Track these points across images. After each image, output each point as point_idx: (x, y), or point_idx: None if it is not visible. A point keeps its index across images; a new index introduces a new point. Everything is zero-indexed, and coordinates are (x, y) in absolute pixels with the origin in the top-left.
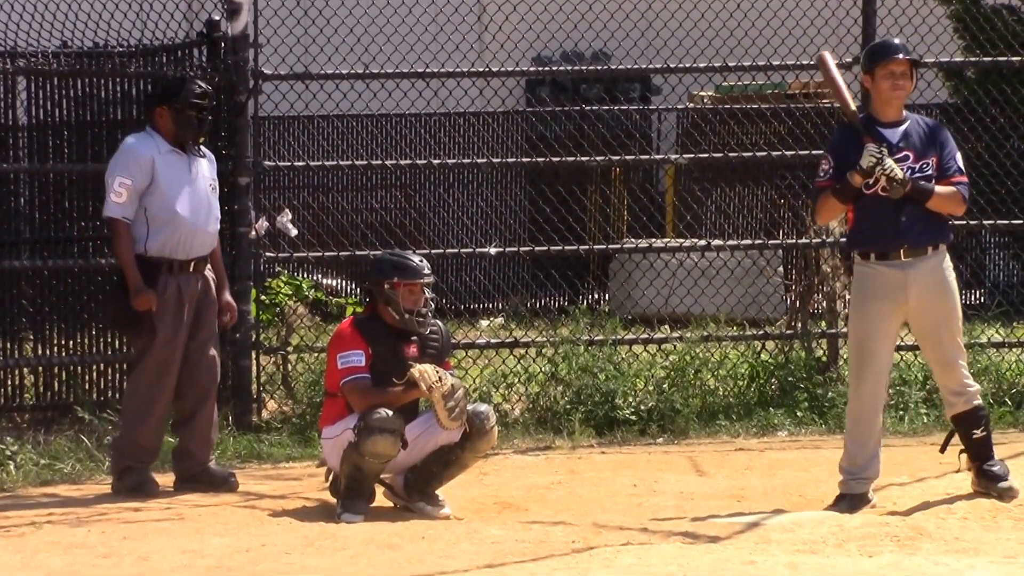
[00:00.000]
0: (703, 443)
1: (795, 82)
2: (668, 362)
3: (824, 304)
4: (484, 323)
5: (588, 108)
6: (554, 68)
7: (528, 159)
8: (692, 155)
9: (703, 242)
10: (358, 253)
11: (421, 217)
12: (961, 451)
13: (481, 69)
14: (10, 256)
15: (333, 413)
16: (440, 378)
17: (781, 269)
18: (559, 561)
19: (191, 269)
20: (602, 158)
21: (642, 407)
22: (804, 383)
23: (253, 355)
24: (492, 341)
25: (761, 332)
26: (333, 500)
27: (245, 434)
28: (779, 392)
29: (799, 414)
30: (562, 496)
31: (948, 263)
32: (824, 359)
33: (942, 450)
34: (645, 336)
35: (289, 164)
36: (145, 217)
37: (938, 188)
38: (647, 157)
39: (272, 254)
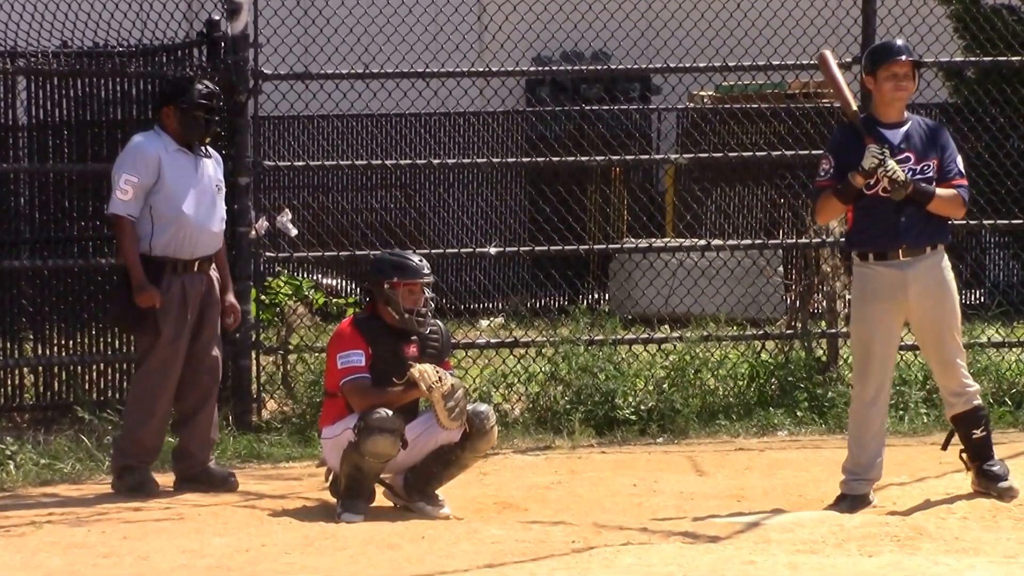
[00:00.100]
0: (703, 443)
1: (795, 82)
2: (668, 362)
3: (824, 304)
4: (484, 323)
5: (588, 108)
6: (554, 68)
7: (528, 159)
8: (692, 155)
9: (703, 242)
10: (358, 253)
11: (421, 217)
12: (962, 451)
13: (481, 69)
14: (10, 256)
15: (333, 413)
16: (440, 378)
17: (781, 269)
18: (559, 561)
19: (195, 269)
20: (602, 158)
21: (642, 407)
22: (804, 383)
23: (253, 355)
24: (492, 341)
25: (761, 332)
26: (333, 500)
27: (245, 434)
28: (779, 392)
29: (799, 414)
30: (562, 496)
31: (946, 263)
32: (824, 359)
33: (944, 447)
34: (645, 336)
35: (289, 164)
36: (150, 216)
37: (939, 191)
38: (647, 157)
39: (272, 254)
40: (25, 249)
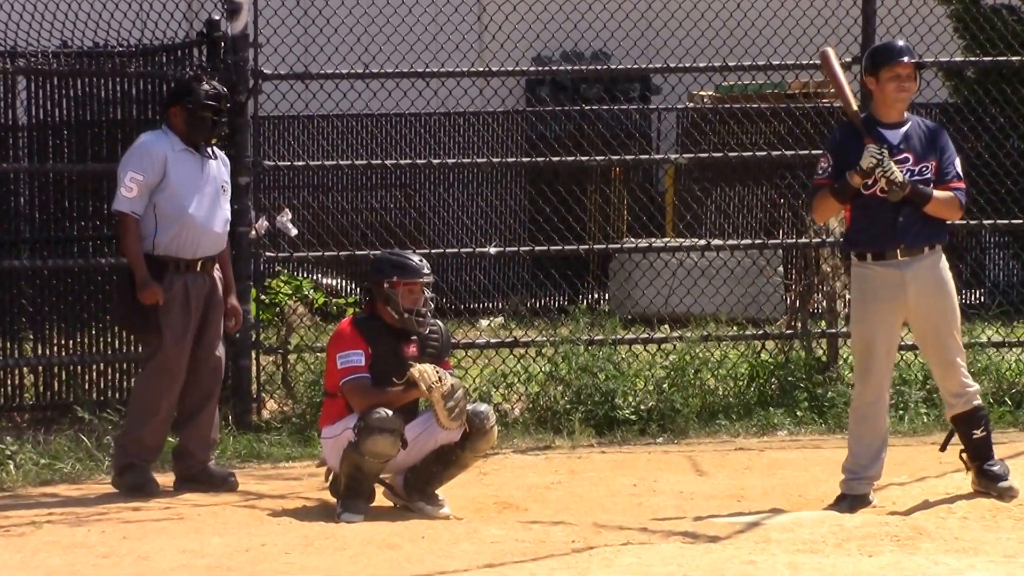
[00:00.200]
0: (703, 443)
1: (795, 82)
2: (668, 362)
3: (824, 304)
4: (484, 323)
5: (588, 108)
6: (554, 68)
7: (528, 159)
8: (692, 155)
9: (703, 242)
10: (358, 253)
11: (421, 217)
12: (962, 451)
13: (481, 69)
14: (10, 256)
15: (333, 413)
16: (440, 378)
17: (781, 269)
18: (559, 561)
19: (198, 268)
20: (602, 158)
21: (642, 407)
22: (804, 383)
23: (253, 355)
24: (492, 341)
25: (761, 332)
26: (333, 500)
27: (245, 434)
28: (779, 392)
29: (799, 414)
30: (562, 496)
31: (944, 263)
32: (824, 359)
33: (943, 448)
34: (645, 336)
35: (289, 164)
36: (154, 214)
37: (936, 193)
38: (647, 157)
39: (272, 254)
40: (25, 249)
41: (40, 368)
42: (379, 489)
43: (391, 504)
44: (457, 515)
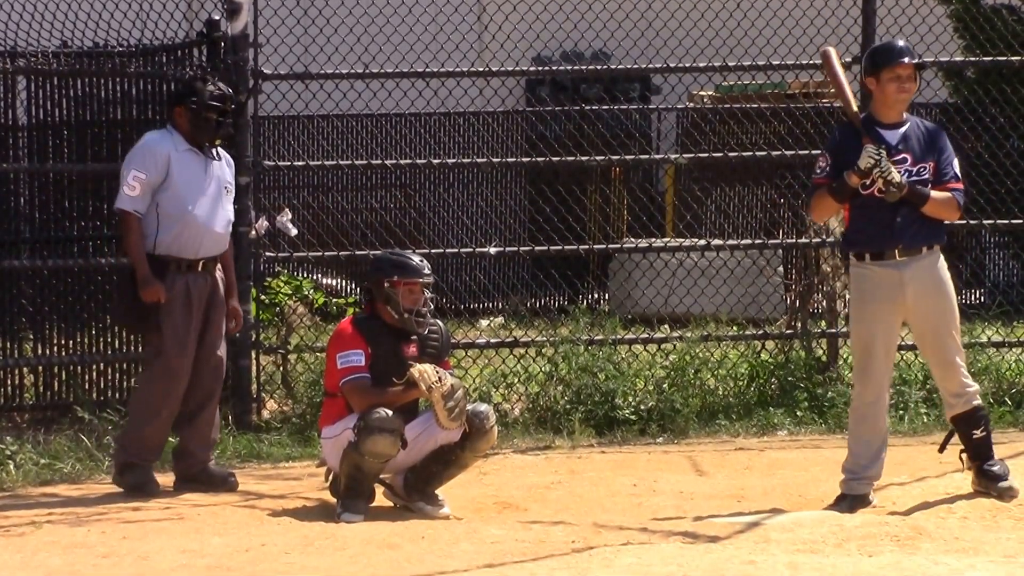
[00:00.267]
0: (703, 443)
1: (795, 82)
2: (668, 362)
3: (824, 304)
4: (484, 323)
5: (588, 108)
6: (554, 68)
7: (528, 159)
8: (692, 155)
9: (703, 242)
10: (358, 253)
11: (421, 217)
12: (961, 451)
13: (481, 69)
14: (10, 256)
15: (333, 413)
16: (440, 378)
17: (781, 269)
18: (559, 561)
19: (199, 268)
20: (602, 158)
21: (642, 407)
22: (804, 383)
23: (253, 355)
24: (492, 341)
25: (761, 332)
26: (333, 500)
27: (245, 434)
28: (779, 392)
29: (799, 414)
30: (562, 496)
31: (943, 263)
32: (824, 359)
33: (941, 450)
34: (645, 336)
35: (289, 164)
36: (156, 213)
37: (934, 193)
38: (647, 157)
39: (272, 254)
40: (25, 249)
41: (40, 368)
42: (379, 489)
43: (391, 504)
44: (457, 515)
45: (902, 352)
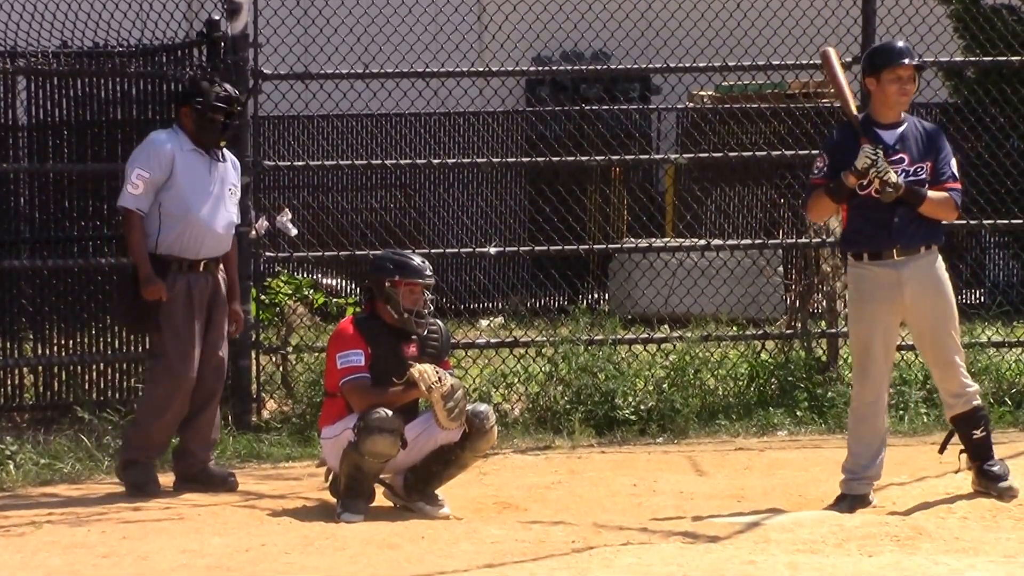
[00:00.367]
0: (703, 443)
1: (795, 82)
2: (668, 362)
3: (824, 304)
4: (484, 323)
5: (588, 108)
6: (554, 68)
7: (528, 159)
8: (692, 155)
9: (703, 242)
10: (358, 253)
11: (421, 217)
12: (961, 451)
13: (481, 69)
14: (10, 256)
15: (333, 413)
16: (440, 378)
17: (781, 269)
18: (559, 561)
19: (201, 269)
20: (602, 158)
21: (642, 407)
22: (804, 383)
23: (253, 355)
24: (492, 341)
25: (761, 332)
26: (333, 500)
27: (245, 434)
28: (779, 392)
29: (799, 414)
30: (562, 496)
31: (940, 263)
32: (824, 359)
33: (941, 450)
34: (645, 336)
35: (289, 164)
36: (158, 213)
37: (931, 194)
38: (647, 157)
39: (272, 254)
40: (25, 249)
41: (40, 368)
42: (379, 489)
43: (391, 504)
44: (457, 515)
45: (902, 352)
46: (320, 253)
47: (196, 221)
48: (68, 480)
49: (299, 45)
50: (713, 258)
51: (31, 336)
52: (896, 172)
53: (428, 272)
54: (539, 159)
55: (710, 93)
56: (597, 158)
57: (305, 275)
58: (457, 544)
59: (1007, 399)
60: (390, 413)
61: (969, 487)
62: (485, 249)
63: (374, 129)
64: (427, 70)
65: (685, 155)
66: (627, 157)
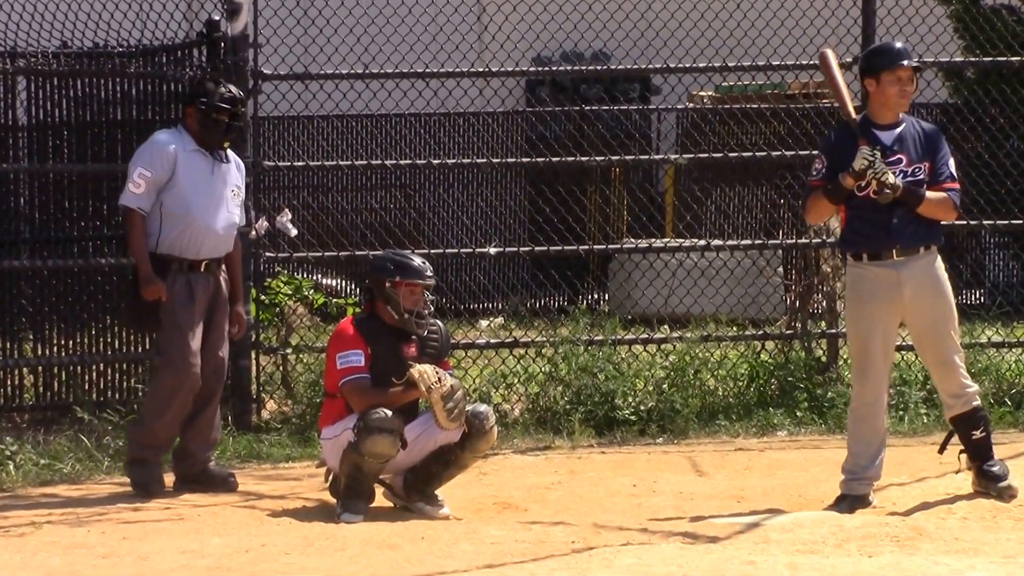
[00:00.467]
0: (703, 443)
1: (795, 82)
2: (668, 362)
3: (824, 304)
4: (484, 323)
5: (588, 108)
6: (554, 68)
7: (528, 159)
8: (692, 155)
9: (703, 242)
10: (358, 253)
11: (421, 217)
12: (961, 451)
13: (481, 69)
14: (10, 256)
15: (333, 413)
16: (439, 379)
17: (781, 269)
18: (559, 561)
19: (201, 269)
20: (602, 158)
21: (642, 407)
22: (804, 383)
23: (253, 355)
24: (492, 341)
25: (761, 332)
26: (333, 500)
27: (245, 434)
28: (779, 392)
29: (799, 414)
30: (562, 496)
31: (940, 263)
32: (824, 359)
33: (941, 451)
34: (645, 336)
35: (289, 164)
36: (160, 213)
37: (929, 194)
38: (647, 157)
39: (272, 254)
40: (25, 249)
41: (40, 368)
42: (379, 490)
43: (391, 504)
44: (457, 515)
45: (902, 352)
46: (320, 253)
47: (196, 221)
48: (68, 480)
49: (299, 45)
50: (713, 258)
51: (31, 336)
52: (894, 173)
53: (428, 273)
54: (539, 159)
55: (710, 93)
56: (597, 158)
57: (305, 276)
58: (457, 544)
59: (1007, 399)
60: (390, 413)
61: (969, 487)
62: (485, 249)
63: (374, 129)
64: (427, 70)
65: (685, 155)
66: (627, 157)
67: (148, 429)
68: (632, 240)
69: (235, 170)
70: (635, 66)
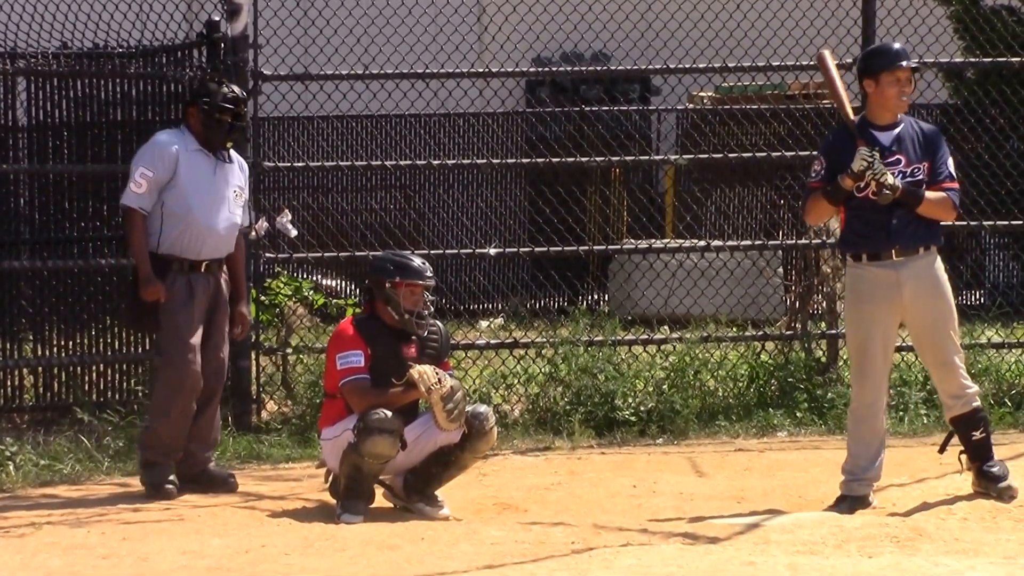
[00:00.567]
0: (703, 444)
1: (795, 83)
2: (668, 363)
3: (824, 305)
4: (484, 324)
5: (588, 109)
6: (554, 69)
7: (528, 160)
8: (692, 156)
9: (703, 243)
10: (358, 254)
11: (421, 218)
12: (961, 452)
13: (481, 70)
14: (10, 257)
15: (333, 414)
16: (439, 380)
17: (781, 270)
18: (559, 562)
19: (202, 269)
20: (602, 159)
21: (642, 408)
22: (804, 384)
23: (252, 356)
24: (492, 342)
25: (761, 333)
26: (333, 501)
27: (245, 435)
28: (779, 393)
29: (799, 415)
30: (562, 497)
31: (939, 264)
32: (824, 360)
33: (941, 451)
34: (645, 337)
35: (289, 165)
36: (161, 212)
37: (928, 194)
38: (647, 158)
39: (272, 255)
40: (25, 250)
41: (40, 369)
42: (379, 490)
43: (391, 505)
44: (457, 516)
45: (902, 353)
46: (320, 254)
47: (198, 221)
48: (68, 481)
49: (299, 46)
50: (713, 259)
51: (31, 337)
52: (893, 174)
53: (428, 273)
54: (539, 160)
55: (710, 94)
56: (597, 159)
57: (305, 276)
58: (457, 545)
59: (1007, 400)
60: (390, 414)
61: (969, 488)
62: (485, 250)
63: (374, 130)
64: (427, 71)
65: (685, 156)
66: (627, 158)
67: (155, 432)
68: (632, 241)
69: (238, 170)
70: (635, 67)
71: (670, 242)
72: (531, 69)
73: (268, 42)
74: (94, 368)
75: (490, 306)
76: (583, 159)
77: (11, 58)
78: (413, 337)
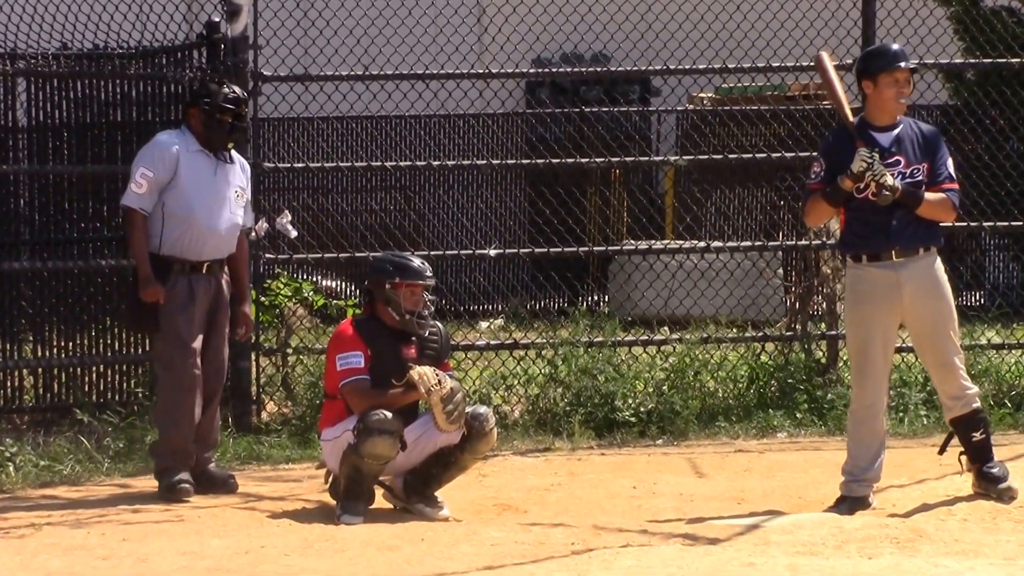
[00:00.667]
0: (703, 445)
1: (795, 84)
2: (668, 364)
3: (824, 306)
4: (484, 325)
5: (588, 110)
6: (554, 70)
7: (528, 161)
8: (692, 157)
9: (703, 244)
10: (358, 255)
11: (421, 219)
12: (961, 453)
13: (481, 71)
14: (10, 258)
15: (333, 415)
16: (439, 380)
17: (781, 271)
18: (558, 563)
19: (203, 270)
20: (602, 160)
21: (642, 409)
22: (804, 385)
23: (252, 356)
24: (492, 343)
25: (761, 334)
26: (332, 502)
27: (245, 436)
28: (779, 394)
29: (799, 416)
30: (561, 498)
31: (939, 265)
32: (824, 361)
33: (940, 452)
34: (645, 338)
35: (289, 166)
36: (162, 213)
37: (928, 195)
38: (647, 159)
39: (272, 256)
40: (25, 251)
41: (40, 370)
42: (379, 491)
43: (391, 506)
44: (456, 517)
45: (902, 354)
46: (320, 255)
47: (197, 222)
48: (68, 482)
49: (299, 47)
50: (713, 260)
51: (31, 338)
52: (892, 174)
53: (428, 273)
54: (539, 161)
55: (710, 95)
56: (597, 160)
57: (305, 277)
58: (457, 546)
59: (1007, 401)
60: (389, 415)
61: (969, 489)
62: (485, 251)
63: (374, 131)
64: (427, 72)
65: (685, 157)
66: (627, 159)
67: (164, 440)
68: (632, 242)
69: (239, 171)
70: (635, 68)
71: (670, 243)
72: (531, 70)
73: (268, 43)
74: (94, 369)
75: (490, 307)
76: (583, 160)
77: (11, 59)
78: (413, 338)
